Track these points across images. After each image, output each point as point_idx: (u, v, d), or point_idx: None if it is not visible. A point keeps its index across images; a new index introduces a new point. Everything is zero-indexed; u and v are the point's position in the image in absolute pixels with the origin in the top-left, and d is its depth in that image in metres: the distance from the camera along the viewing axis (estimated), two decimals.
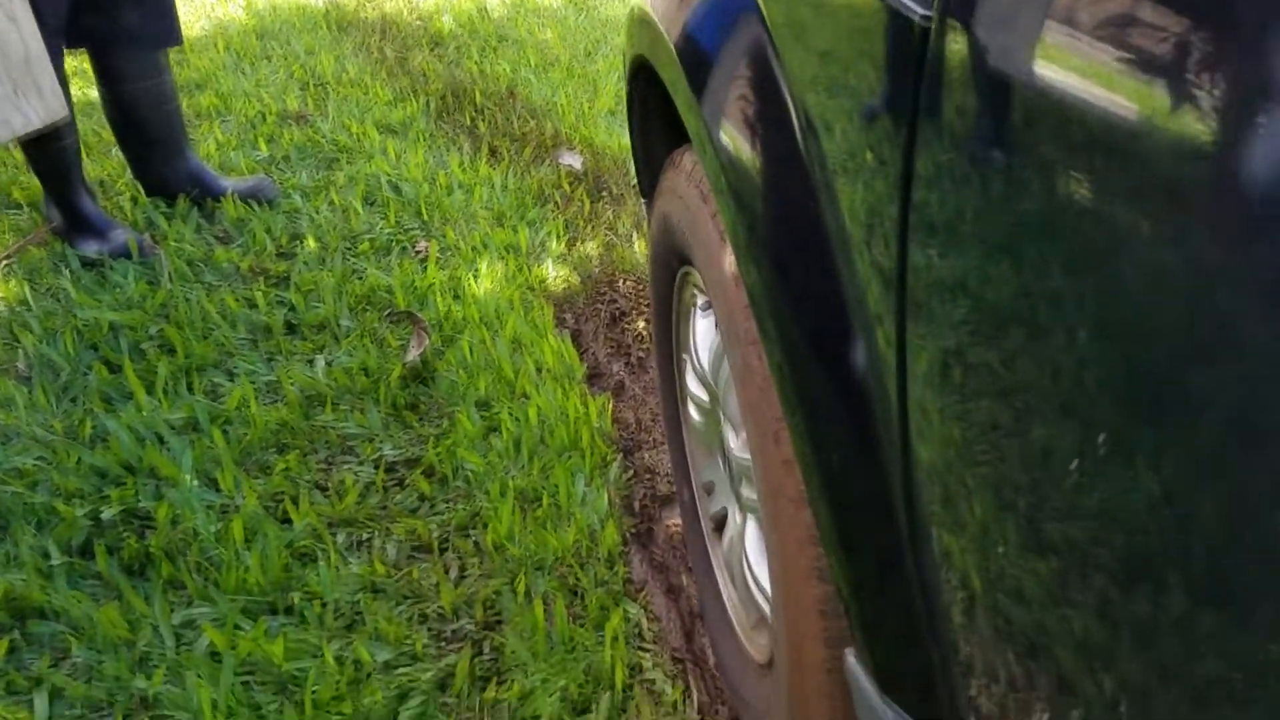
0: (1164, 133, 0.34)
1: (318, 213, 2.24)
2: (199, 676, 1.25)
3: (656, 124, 1.32)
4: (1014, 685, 0.50)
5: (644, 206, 1.42)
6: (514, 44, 3.17)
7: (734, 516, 1.20)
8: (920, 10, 0.50)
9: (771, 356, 0.73)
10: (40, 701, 1.26)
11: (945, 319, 0.50)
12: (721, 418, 1.16)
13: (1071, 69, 0.39)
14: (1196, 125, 0.33)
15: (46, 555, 1.46)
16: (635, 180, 1.44)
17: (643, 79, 1.24)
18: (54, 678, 1.28)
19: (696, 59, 0.90)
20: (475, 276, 1.97)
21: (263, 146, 2.52)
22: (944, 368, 0.51)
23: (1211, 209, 0.32)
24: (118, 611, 1.35)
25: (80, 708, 1.26)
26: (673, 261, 1.22)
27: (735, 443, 1.09)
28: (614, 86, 2.74)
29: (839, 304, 0.64)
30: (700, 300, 1.22)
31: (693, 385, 1.27)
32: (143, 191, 2.31)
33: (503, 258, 2.04)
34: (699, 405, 1.27)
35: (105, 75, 2.12)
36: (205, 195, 2.26)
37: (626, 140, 2.45)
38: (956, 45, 0.47)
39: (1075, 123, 0.39)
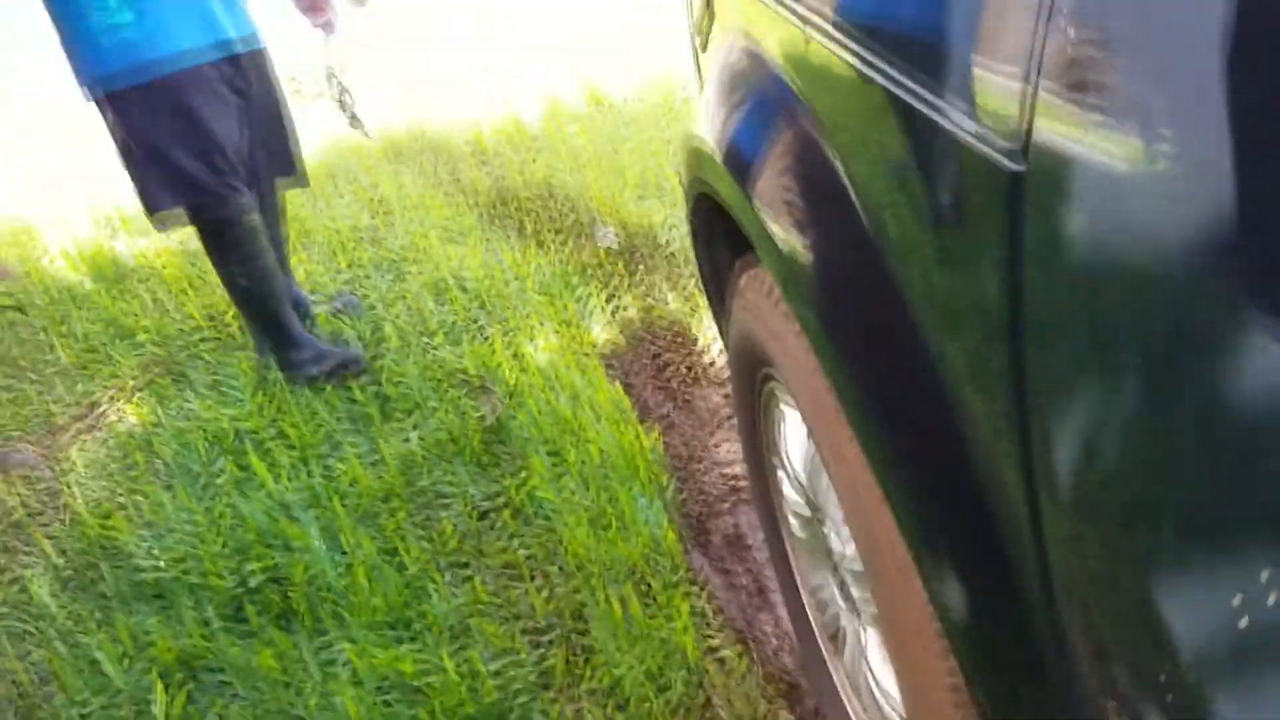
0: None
1: (397, 315, 2.57)
2: (345, 696, 1.50)
3: (720, 240, 1.31)
4: None
5: (715, 320, 1.49)
6: (549, 149, 3.53)
7: (851, 626, 1.16)
8: (1010, 165, 0.52)
9: (880, 475, 0.73)
10: None
11: (1075, 443, 0.49)
12: (827, 527, 1.14)
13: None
14: None
15: (206, 622, 1.74)
16: (705, 293, 1.47)
17: (704, 205, 1.25)
18: (227, 715, 1.55)
19: (770, 199, 0.91)
20: (535, 348, 2.27)
21: (343, 265, 2.88)
22: (1078, 495, 0.49)
23: None
24: (271, 655, 1.62)
25: None
26: (754, 373, 1.21)
27: (844, 550, 1.08)
28: (639, 171, 3.06)
29: (949, 423, 0.63)
30: (788, 410, 1.19)
31: (789, 492, 1.25)
32: None
33: (557, 330, 2.33)
34: (799, 514, 1.25)
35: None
36: (304, 316, 2.60)
37: (655, 215, 2.75)
38: (1050, 197, 0.49)
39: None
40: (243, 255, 2.21)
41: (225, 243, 2.20)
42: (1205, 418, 0.41)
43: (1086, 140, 0.47)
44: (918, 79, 0.64)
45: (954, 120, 0.58)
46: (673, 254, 2.56)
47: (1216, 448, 0.40)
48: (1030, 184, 0.50)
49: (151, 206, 2.12)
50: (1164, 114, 0.42)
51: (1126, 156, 0.44)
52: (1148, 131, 0.43)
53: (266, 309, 2.31)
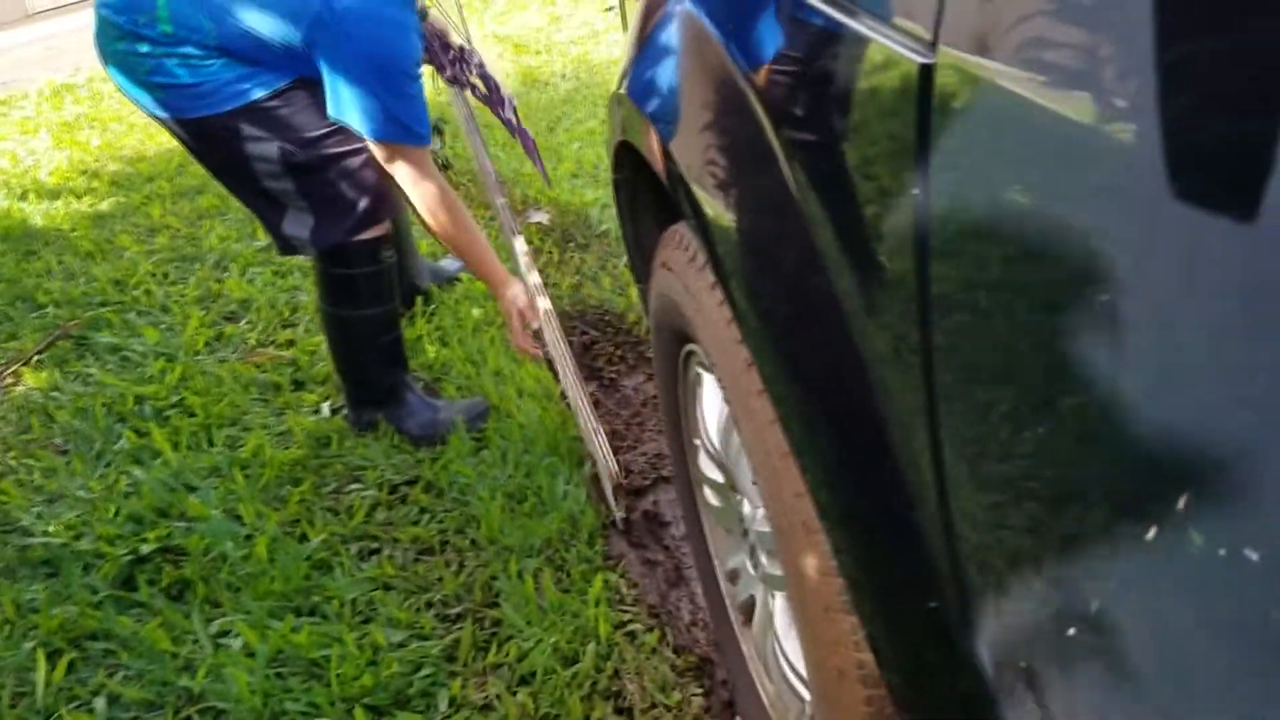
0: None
1: (313, 285, 2.48)
2: (236, 669, 1.43)
3: (645, 205, 1.28)
4: None
5: (638, 285, 1.43)
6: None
7: (761, 598, 1.14)
8: (920, 57, 0.50)
9: (791, 433, 0.73)
10: (100, 704, 1.44)
11: (978, 389, 0.48)
12: (738, 494, 1.12)
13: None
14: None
15: (94, 590, 1.64)
16: (628, 262, 1.41)
17: (628, 164, 1.22)
18: (110, 685, 1.46)
19: (685, 141, 0.89)
20: (459, 323, 2.20)
21: (261, 236, 2.78)
22: (979, 433, 0.49)
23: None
24: (160, 627, 1.53)
25: (135, 709, 1.44)
26: (674, 341, 1.18)
27: (754, 514, 1.06)
28: (574, 153, 3.02)
29: (856, 370, 0.62)
30: (705, 374, 1.18)
31: (706, 468, 1.22)
32: None
33: (481, 305, 2.27)
34: (713, 482, 1.22)
35: None
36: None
37: (587, 196, 2.70)
38: (961, 83, 0.47)
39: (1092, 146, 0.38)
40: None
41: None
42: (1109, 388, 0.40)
43: (995, 43, 0.45)
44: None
45: (865, 24, 0.57)
46: (605, 234, 2.52)
47: (1116, 416, 0.40)
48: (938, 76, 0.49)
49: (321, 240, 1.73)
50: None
51: (1029, 67, 0.43)
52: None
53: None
